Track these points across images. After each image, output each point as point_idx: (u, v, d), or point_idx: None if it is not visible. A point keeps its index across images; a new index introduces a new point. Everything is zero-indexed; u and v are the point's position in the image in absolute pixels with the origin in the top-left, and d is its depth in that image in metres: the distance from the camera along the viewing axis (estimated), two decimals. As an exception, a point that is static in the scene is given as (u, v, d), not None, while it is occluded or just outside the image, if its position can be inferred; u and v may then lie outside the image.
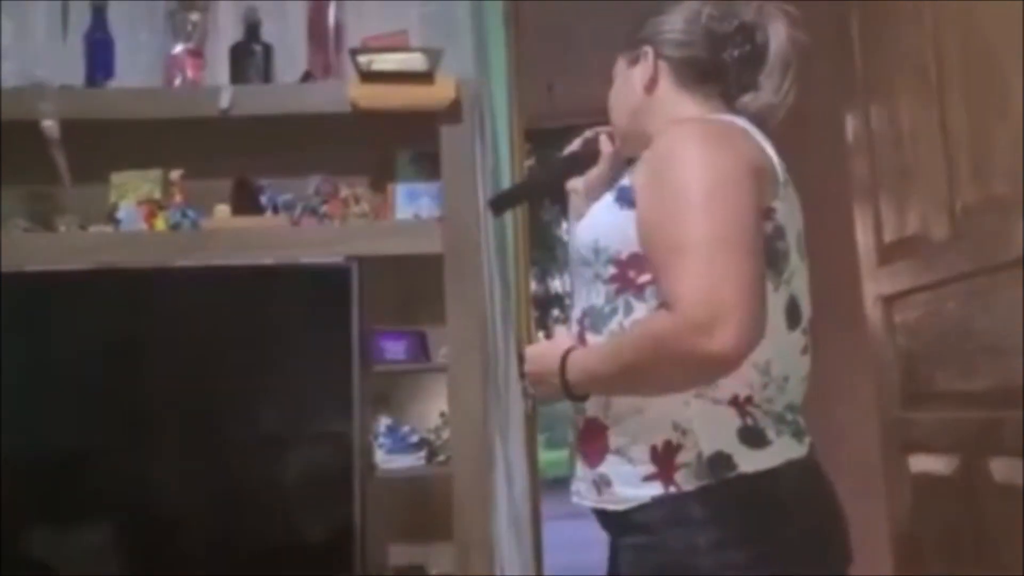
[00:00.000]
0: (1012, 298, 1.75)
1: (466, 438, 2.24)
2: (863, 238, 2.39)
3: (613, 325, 1.22)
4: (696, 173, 1.14)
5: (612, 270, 1.23)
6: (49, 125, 2.27)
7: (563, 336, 1.30)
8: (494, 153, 2.50)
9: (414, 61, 2.34)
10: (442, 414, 2.40)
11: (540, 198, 1.78)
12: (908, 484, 2.16)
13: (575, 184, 1.48)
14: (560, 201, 1.54)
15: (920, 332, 2.14)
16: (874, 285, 2.34)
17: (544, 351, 1.29)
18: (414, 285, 2.37)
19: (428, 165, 2.39)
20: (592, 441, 1.25)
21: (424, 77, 2.33)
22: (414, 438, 2.39)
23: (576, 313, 1.30)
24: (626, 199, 1.23)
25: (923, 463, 2.10)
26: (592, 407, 1.25)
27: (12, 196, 2.37)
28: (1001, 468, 1.78)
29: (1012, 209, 1.74)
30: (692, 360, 1.07)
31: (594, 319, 1.25)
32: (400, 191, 2.40)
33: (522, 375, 1.33)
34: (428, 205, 2.37)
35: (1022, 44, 1.70)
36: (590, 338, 1.25)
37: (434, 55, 2.35)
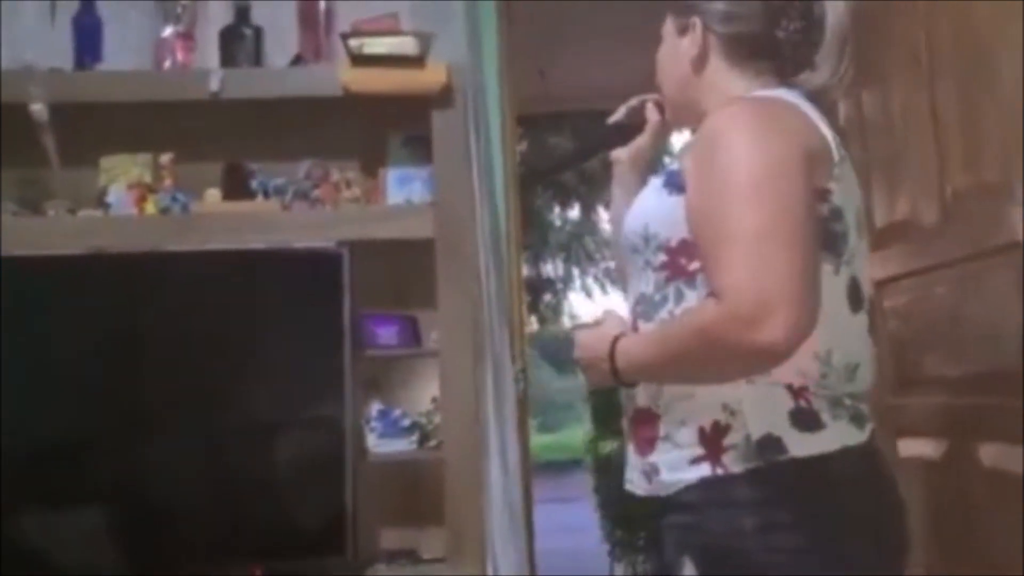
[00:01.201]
0: (1002, 283, 1.76)
1: (458, 422, 2.25)
2: (854, 223, 2.40)
3: (663, 313, 1.20)
4: (746, 160, 1.10)
5: (662, 257, 1.20)
6: (38, 109, 2.25)
7: (613, 320, 1.27)
8: (486, 138, 2.49)
9: (405, 45, 2.33)
10: (434, 399, 2.40)
11: (581, 165, 1.69)
12: (898, 468, 2.17)
13: (619, 154, 1.44)
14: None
15: (910, 317, 2.15)
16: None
17: (594, 337, 1.26)
18: (406, 270, 2.36)
19: (420, 150, 2.39)
20: (643, 430, 1.22)
21: (415, 61, 2.32)
22: (406, 422, 2.39)
23: (630, 300, 1.27)
24: (675, 184, 1.20)
25: (913, 447, 2.11)
26: (643, 396, 1.22)
27: (0, 180, 2.35)
28: (990, 453, 1.79)
29: (1002, 194, 1.75)
30: (740, 351, 1.06)
31: (645, 307, 1.22)
32: (392, 176, 2.39)
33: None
34: (420, 190, 2.36)
35: (1021, 32, 1.70)
36: (642, 326, 1.23)
37: (426, 39, 2.34)
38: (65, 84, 2.33)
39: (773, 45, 1.25)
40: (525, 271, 3.04)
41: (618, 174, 1.45)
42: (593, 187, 9.48)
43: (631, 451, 1.26)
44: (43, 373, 2.10)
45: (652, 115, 1.42)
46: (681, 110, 1.35)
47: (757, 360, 1.08)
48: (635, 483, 1.26)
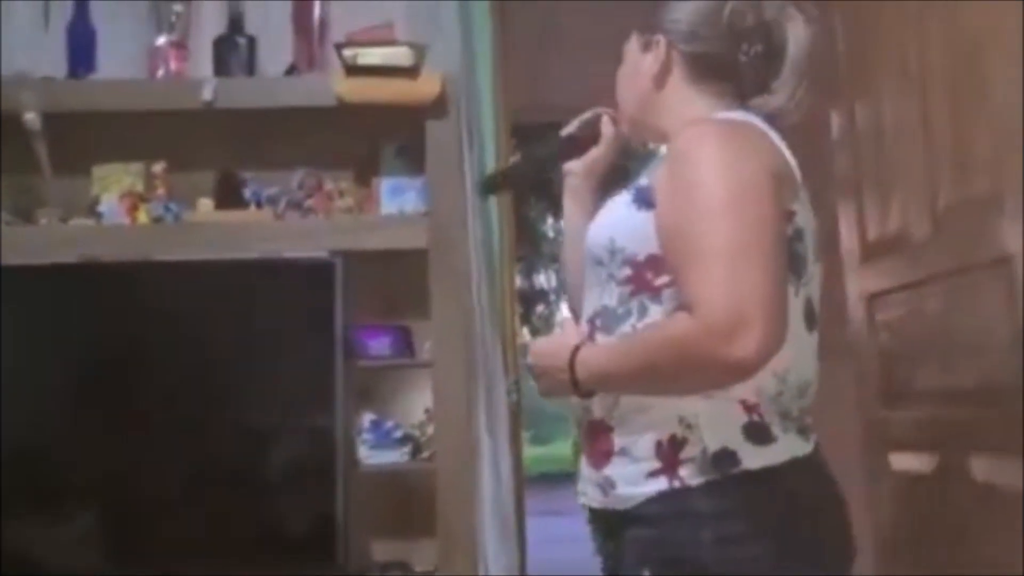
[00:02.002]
0: (993, 297, 1.76)
1: (450, 434, 2.24)
2: (847, 235, 2.40)
3: (626, 327, 1.21)
4: (719, 176, 1.12)
5: (628, 271, 1.21)
6: (31, 117, 2.25)
7: (571, 330, 1.28)
8: (479, 148, 2.50)
9: (400, 55, 2.33)
10: (427, 410, 2.40)
11: (533, 179, 1.66)
12: (889, 482, 2.17)
13: (573, 166, 1.45)
14: (549, 187, 1.51)
15: (902, 330, 2.15)
16: (857, 282, 2.35)
17: (552, 345, 1.26)
18: (399, 280, 2.36)
19: (413, 159, 2.38)
20: (597, 443, 1.23)
21: (410, 71, 2.32)
22: (398, 434, 2.38)
23: (587, 313, 1.28)
24: (644, 199, 1.21)
25: (904, 461, 2.11)
26: (598, 408, 1.23)
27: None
28: (982, 466, 1.79)
29: (993, 208, 1.75)
30: (712, 365, 1.06)
31: (606, 320, 1.23)
32: (385, 185, 2.39)
33: (510, 369, 1.31)
34: (413, 200, 2.36)
35: (1013, 45, 1.71)
36: (601, 339, 1.23)
37: (420, 50, 2.34)
38: (58, 92, 2.32)
39: (734, 67, 1.28)
40: (518, 282, 3.04)
41: (571, 186, 1.45)
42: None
43: (585, 464, 1.27)
44: (35, 381, 2.09)
45: (607, 128, 1.43)
46: (639, 126, 1.37)
47: (728, 374, 1.08)
48: (589, 496, 1.27)
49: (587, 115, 1.46)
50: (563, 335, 1.27)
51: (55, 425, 2.11)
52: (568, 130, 1.47)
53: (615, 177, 1.42)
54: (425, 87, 2.32)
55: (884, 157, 2.21)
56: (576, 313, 1.40)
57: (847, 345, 2.39)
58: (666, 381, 1.14)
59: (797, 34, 1.28)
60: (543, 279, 11.97)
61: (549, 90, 4.24)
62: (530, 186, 2.45)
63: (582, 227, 1.35)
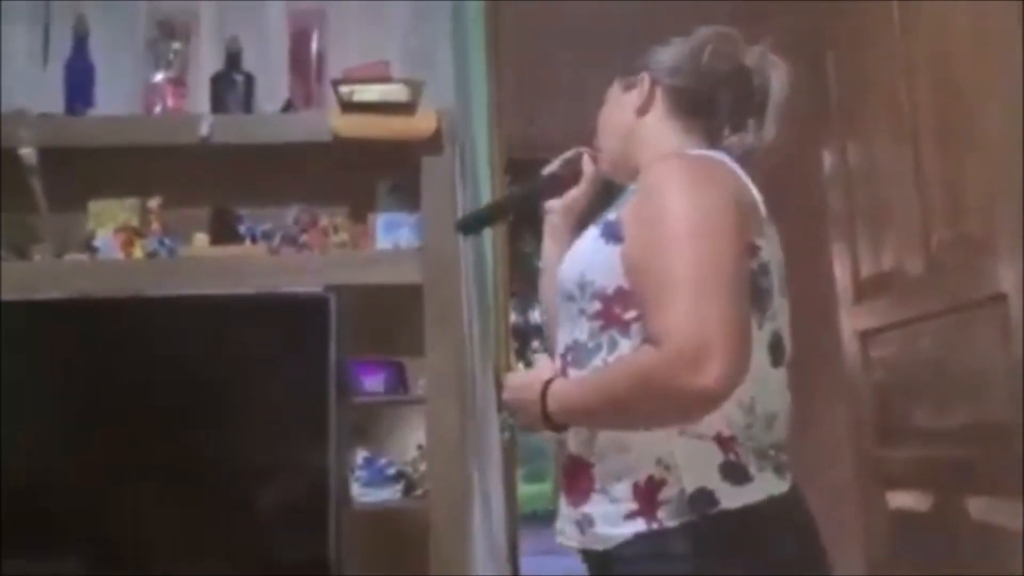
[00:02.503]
0: (986, 335, 1.76)
1: (444, 471, 2.22)
2: (840, 273, 2.41)
3: (597, 361, 1.22)
4: (683, 209, 1.15)
5: (597, 305, 1.22)
6: (27, 153, 2.25)
7: (545, 365, 1.29)
8: (474, 184, 2.51)
9: (395, 92, 2.35)
10: (420, 446, 2.38)
11: (515, 217, 1.67)
12: (885, 521, 2.16)
13: (553, 205, 1.48)
14: (535, 221, 1.52)
15: (896, 368, 2.15)
16: (851, 320, 2.35)
17: (525, 380, 1.28)
18: (393, 315, 2.35)
19: (408, 195, 2.39)
20: (576, 479, 1.24)
21: (405, 108, 2.34)
22: (391, 471, 2.36)
23: (559, 348, 1.29)
24: (612, 234, 1.23)
25: (900, 500, 2.10)
26: (575, 444, 1.24)
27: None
28: (978, 506, 1.78)
29: (986, 247, 1.76)
30: (678, 396, 1.07)
31: (578, 354, 1.24)
32: (380, 221, 2.40)
33: (502, 405, 1.32)
34: (408, 235, 2.36)
35: (1009, 86, 1.73)
36: (573, 373, 1.25)
37: (416, 86, 2.35)
38: (55, 128, 2.33)
39: (711, 105, 1.33)
40: (513, 318, 3.04)
41: (551, 224, 1.48)
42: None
43: (563, 502, 1.27)
44: (29, 416, 2.08)
45: (587, 167, 1.46)
46: (617, 162, 1.40)
47: (694, 404, 1.09)
48: (567, 534, 1.27)
49: (569, 154, 1.49)
50: (537, 370, 1.29)
51: (49, 461, 2.09)
52: (550, 169, 1.50)
53: (595, 215, 1.44)
54: (421, 124, 2.33)
55: (876, 196, 2.23)
56: (552, 349, 1.42)
57: (842, 383, 2.39)
58: (633, 413, 1.15)
59: (779, 79, 1.33)
60: (538, 315, 11.93)
61: (543, 127, 4.27)
62: (513, 223, 2.44)
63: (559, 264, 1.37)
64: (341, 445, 2.10)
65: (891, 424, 2.17)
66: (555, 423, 1.22)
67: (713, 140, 1.33)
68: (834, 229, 2.45)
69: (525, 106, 4.13)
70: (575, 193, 1.47)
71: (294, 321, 2.16)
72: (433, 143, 2.33)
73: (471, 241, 2.40)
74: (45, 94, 2.44)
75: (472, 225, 1.66)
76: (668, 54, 1.36)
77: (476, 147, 2.55)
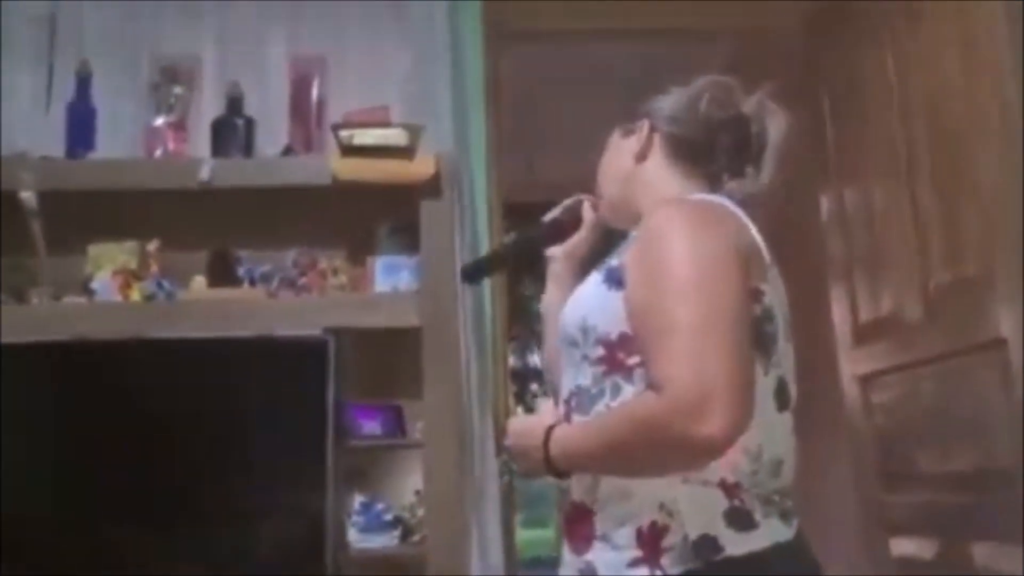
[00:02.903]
0: (987, 379, 1.76)
1: (441, 517, 2.20)
2: (839, 317, 2.41)
3: (600, 407, 1.21)
4: (685, 255, 1.15)
5: (600, 351, 1.22)
6: (27, 196, 2.26)
7: (548, 410, 1.28)
8: (473, 228, 2.51)
9: (395, 136, 2.36)
10: (417, 491, 2.36)
11: (518, 265, 1.67)
12: (891, 567, 2.13)
13: (555, 251, 1.48)
14: (543, 267, 1.52)
15: (897, 412, 2.14)
16: (850, 365, 2.35)
17: (528, 425, 1.27)
18: (391, 358, 2.34)
19: (407, 238, 2.40)
20: (578, 526, 1.22)
21: (405, 152, 2.35)
22: (388, 516, 2.34)
23: (563, 393, 1.28)
24: (615, 279, 1.23)
25: (904, 546, 2.08)
26: (578, 490, 1.23)
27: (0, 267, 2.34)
28: (983, 553, 1.76)
29: (984, 290, 1.76)
30: (680, 443, 1.06)
31: (581, 400, 1.24)
32: (379, 264, 2.40)
33: (502, 450, 1.31)
34: (407, 278, 2.36)
35: (1010, 126, 1.74)
36: (577, 419, 1.24)
37: (415, 131, 2.37)
38: (56, 172, 2.34)
39: (709, 152, 1.34)
40: (512, 361, 3.03)
41: (553, 272, 1.49)
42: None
43: (566, 549, 1.26)
44: (26, 458, 2.06)
45: (588, 213, 1.47)
46: (617, 208, 1.41)
47: (696, 452, 1.08)
48: None
49: (569, 201, 1.50)
50: (539, 415, 1.28)
51: (46, 501, 2.07)
52: (551, 215, 1.50)
53: (596, 261, 1.45)
54: (420, 167, 2.34)
55: (874, 240, 2.23)
56: (555, 394, 1.41)
57: (843, 427, 2.38)
58: (635, 460, 1.14)
59: (776, 126, 1.34)
60: (537, 358, 11.92)
61: (541, 171, 4.30)
62: (515, 270, 2.43)
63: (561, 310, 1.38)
64: (338, 490, 2.08)
65: (893, 469, 2.15)
66: (557, 469, 1.21)
67: (713, 185, 1.34)
68: (833, 273, 2.46)
69: (523, 151, 4.16)
70: (576, 240, 1.48)
71: (292, 364, 2.16)
72: (432, 187, 2.34)
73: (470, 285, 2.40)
74: (46, 137, 2.46)
75: (475, 273, 1.66)
76: (667, 102, 1.38)
77: (475, 191, 2.56)
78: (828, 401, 2.41)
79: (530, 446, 1.23)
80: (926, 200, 1.99)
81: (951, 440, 1.89)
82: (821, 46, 2.51)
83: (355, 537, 2.29)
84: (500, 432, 2.46)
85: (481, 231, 2.55)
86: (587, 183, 1.48)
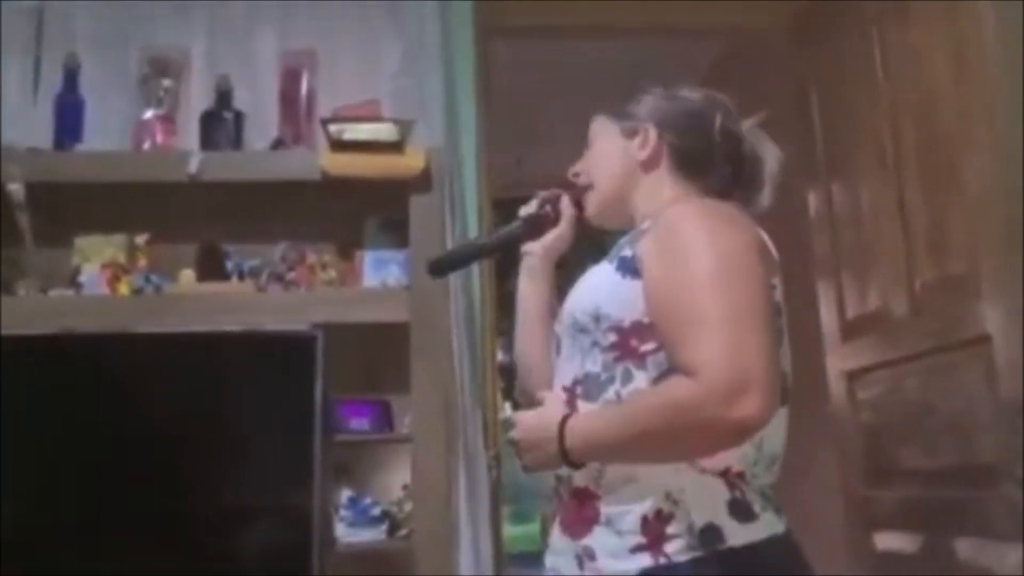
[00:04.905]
0: (972, 376, 1.77)
1: (429, 511, 2.20)
2: (826, 314, 2.42)
3: (609, 393, 1.22)
4: (712, 245, 1.17)
5: (613, 338, 1.22)
6: (15, 188, 2.24)
7: (555, 403, 1.27)
8: (462, 222, 2.51)
9: (385, 131, 2.36)
10: (405, 486, 2.36)
11: (504, 256, 1.65)
12: (874, 562, 2.15)
13: (532, 247, 1.48)
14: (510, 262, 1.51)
15: (883, 408, 2.16)
16: (837, 361, 2.36)
17: (539, 418, 1.26)
18: (380, 353, 2.34)
19: (397, 233, 2.39)
20: (579, 511, 1.23)
21: (394, 147, 2.35)
22: (376, 511, 2.34)
23: (566, 380, 1.28)
24: (629, 268, 1.23)
25: (888, 541, 2.09)
26: (582, 476, 1.23)
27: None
28: (966, 548, 1.77)
29: (970, 288, 1.77)
30: (714, 427, 1.08)
31: (589, 387, 1.24)
32: (368, 258, 2.39)
33: (497, 444, 1.30)
34: (396, 273, 2.36)
35: (996, 126, 1.75)
36: (583, 405, 1.24)
37: (405, 126, 2.37)
38: (43, 164, 2.33)
39: (711, 167, 1.36)
40: (500, 356, 3.03)
41: (528, 266, 1.49)
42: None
43: (558, 534, 1.26)
44: (9, 453, 2.05)
45: (567, 208, 1.46)
46: (611, 206, 1.41)
47: (730, 435, 1.11)
48: (561, 569, 1.25)
49: (546, 194, 1.49)
50: (548, 407, 1.27)
51: (30, 496, 2.06)
52: (527, 210, 1.49)
53: (576, 255, 1.45)
54: (410, 162, 2.34)
55: (862, 238, 2.25)
56: (526, 389, 1.44)
57: (829, 423, 2.39)
58: (664, 445, 1.14)
59: (773, 156, 1.37)
60: (512, 353, 11.89)
61: (531, 167, 4.30)
62: (501, 261, 2.40)
63: (540, 304, 1.41)
64: (325, 485, 2.07)
65: (878, 464, 2.17)
66: (573, 460, 1.21)
67: (717, 196, 1.35)
68: (820, 270, 2.47)
69: (513, 147, 4.16)
70: (555, 234, 1.47)
71: (281, 359, 2.15)
72: (422, 181, 2.34)
73: (459, 279, 2.41)
74: (34, 129, 2.44)
75: (445, 267, 1.61)
76: (676, 112, 1.38)
77: (464, 186, 2.56)
78: (815, 397, 2.42)
79: (543, 438, 1.23)
80: (913, 198, 2.00)
81: (936, 436, 1.91)
82: (810, 44, 2.52)
83: (343, 532, 2.29)
84: (491, 427, 2.47)
85: (471, 225, 2.55)
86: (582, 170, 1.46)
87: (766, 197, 1.35)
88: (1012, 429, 1.63)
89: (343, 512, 2.31)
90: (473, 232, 2.54)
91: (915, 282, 1.99)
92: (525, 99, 3.84)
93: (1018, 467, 1.61)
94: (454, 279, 2.35)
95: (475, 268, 2.45)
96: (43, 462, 2.07)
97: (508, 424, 1.31)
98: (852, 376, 2.28)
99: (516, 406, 1.45)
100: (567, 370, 1.29)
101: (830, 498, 2.44)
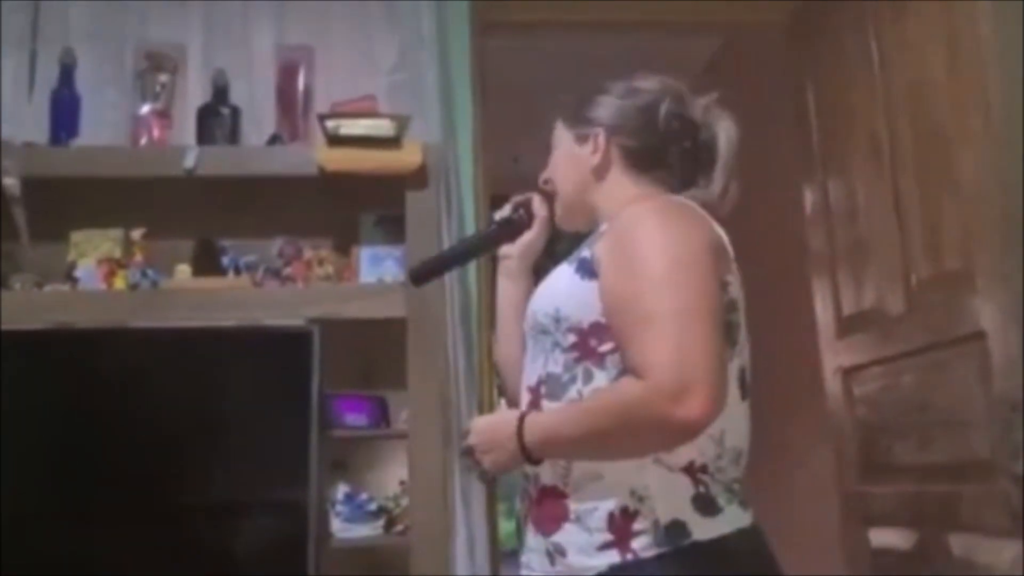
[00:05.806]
0: (967, 372, 1.78)
1: (425, 507, 2.21)
2: (822, 311, 2.43)
3: (572, 393, 1.24)
4: (662, 246, 1.19)
5: (572, 338, 1.25)
6: (10, 183, 2.24)
7: (509, 411, 1.31)
8: (459, 218, 2.51)
9: (382, 127, 2.36)
10: (401, 482, 2.36)
11: (467, 263, 1.65)
12: (868, 558, 2.15)
13: (508, 250, 1.50)
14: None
15: (879, 405, 2.16)
16: (833, 357, 2.37)
17: (495, 420, 1.30)
18: (376, 349, 2.35)
19: (393, 229, 2.39)
20: (548, 508, 1.25)
21: (391, 142, 2.35)
22: (372, 506, 2.34)
23: (531, 380, 1.31)
24: (587, 270, 1.26)
25: (883, 537, 2.10)
26: (549, 475, 1.25)
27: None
28: (960, 543, 1.78)
29: (965, 284, 1.78)
30: (662, 426, 1.11)
31: (552, 386, 1.27)
32: (364, 254, 2.39)
33: (464, 451, 1.31)
34: (392, 269, 2.36)
35: (991, 122, 1.75)
36: (547, 405, 1.26)
37: (402, 121, 2.37)
38: (39, 159, 2.32)
39: (666, 160, 1.37)
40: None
41: (506, 268, 1.51)
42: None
43: (531, 533, 1.28)
44: (5, 447, 2.05)
45: (540, 210, 1.49)
46: (575, 210, 1.43)
47: (678, 433, 1.14)
48: (534, 567, 1.27)
49: (518, 198, 1.51)
50: (504, 412, 1.32)
51: (26, 489, 2.06)
52: (501, 213, 1.52)
53: (551, 255, 1.46)
54: (406, 158, 2.34)
55: (857, 234, 2.25)
56: (505, 390, 1.46)
57: (824, 419, 2.40)
58: (616, 443, 1.17)
59: (726, 132, 1.36)
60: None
61: (527, 163, 4.30)
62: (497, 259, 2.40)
63: (519, 306, 1.41)
64: (321, 480, 2.08)
65: (873, 460, 2.17)
66: (532, 456, 1.23)
67: (673, 191, 1.36)
68: (815, 266, 2.48)
69: (509, 143, 4.16)
70: (529, 236, 1.49)
71: (277, 354, 2.15)
72: (418, 177, 2.34)
73: (456, 275, 2.41)
74: (30, 124, 2.44)
75: (424, 274, 1.58)
76: (621, 111, 1.39)
77: (461, 182, 2.56)
78: (810, 393, 2.43)
79: (502, 438, 1.25)
80: (908, 194, 2.01)
81: (931, 432, 1.92)
82: (807, 40, 2.52)
83: (339, 527, 2.29)
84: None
85: (467, 222, 2.55)
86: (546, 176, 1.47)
87: (718, 184, 1.34)
88: (1007, 425, 1.64)
89: (339, 507, 2.31)
90: (470, 228, 2.54)
91: (911, 278, 2.00)
92: (522, 95, 3.84)
93: (1014, 463, 1.62)
94: (449, 275, 2.35)
95: (471, 264, 2.46)
96: (39, 456, 2.07)
97: (464, 434, 1.32)
98: (847, 372, 2.29)
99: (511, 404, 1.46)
100: (532, 371, 1.31)
101: (825, 494, 2.45)
